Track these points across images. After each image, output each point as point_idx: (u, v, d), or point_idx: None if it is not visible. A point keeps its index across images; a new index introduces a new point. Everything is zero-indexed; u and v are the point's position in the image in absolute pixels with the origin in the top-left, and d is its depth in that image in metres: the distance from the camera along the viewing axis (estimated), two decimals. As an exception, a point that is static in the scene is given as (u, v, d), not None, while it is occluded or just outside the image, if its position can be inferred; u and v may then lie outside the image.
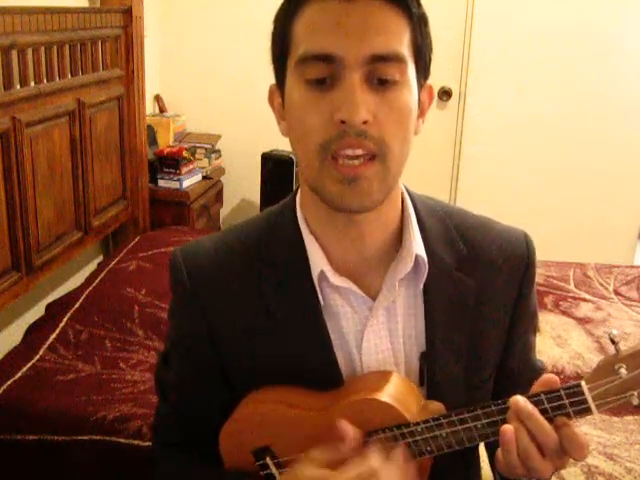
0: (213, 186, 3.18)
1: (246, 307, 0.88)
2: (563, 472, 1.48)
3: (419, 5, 0.80)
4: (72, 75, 2.24)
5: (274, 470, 0.88)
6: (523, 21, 3.16)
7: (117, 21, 2.52)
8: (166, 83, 3.37)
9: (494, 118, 3.30)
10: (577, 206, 3.34)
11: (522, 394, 0.76)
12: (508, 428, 0.75)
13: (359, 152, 0.76)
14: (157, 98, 3.32)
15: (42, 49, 2.06)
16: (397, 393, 0.82)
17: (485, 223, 0.96)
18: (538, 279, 0.98)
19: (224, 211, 3.47)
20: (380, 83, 0.76)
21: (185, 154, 2.94)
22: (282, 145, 3.02)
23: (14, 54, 1.93)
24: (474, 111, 3.31)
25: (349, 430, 0.77)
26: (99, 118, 2.41)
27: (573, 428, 0.74)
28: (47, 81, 2.09)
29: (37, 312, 2.27)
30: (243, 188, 3.47)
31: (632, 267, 2.79)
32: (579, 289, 2.47)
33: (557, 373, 1.91)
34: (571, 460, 0.78)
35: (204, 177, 3.11)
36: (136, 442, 1.55)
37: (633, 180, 3.29)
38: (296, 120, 0.80)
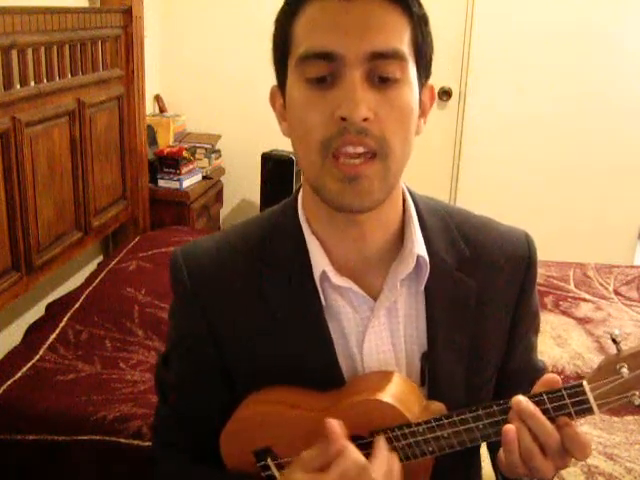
0: (213, 186, 3.18)
1: (247, 307, 0.88)
2: (563, 472, 1.48)
3: (420, 5, 0.80)
4: (72, 75, 2.24)
5: (275, 471, 0.88)
6: (523, 21, 3.16)
7: (117, 21, 2.52)
8: (166, 83, 3.37)
9: (494, 118, 3.30)
10: (577, 206, 3.34)
11: (524, 394, 0.76)
12: (510, 428, 0.75)
13: (360, 150, 0.76)
14: (157, 98, 3.32)
15: (42, 49, 2.06)
16: (399, 393, 0.82)
17: (486, 223, 0.96)
18: (538, 279, 0.98)
19: (224, 211, 3.47)
20: (381, 81, 0.76)
21: (185, 154, 2.94)
22: (282, 145, 3.02)
23: (14, 54, 1.93)
24: (474, 111, 3.31)
25: (335, 427, 0.76)
26: (99, 118, 2.41)
27: (575, 428, 0.74)
28: (47, 81, 2.09)
29: (37, 312, 2.27)
30: (243, 188, 3.47)
31: (632, 267, 2.79)
32: (579, 289, 2.47)
33: (557, 373, 1.91)
34: (572, 460, 0.78)
35: (204, 177, 3.11)
36: (136, 442, 1.55)
37: (633, 180, 3.29)
38: (297, 119, 0.80)
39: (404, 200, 0.90)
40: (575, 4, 3.12)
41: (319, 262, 0.86)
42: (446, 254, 0.89)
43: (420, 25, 0.80)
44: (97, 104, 2.38)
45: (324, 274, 0.85)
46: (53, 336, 1.94)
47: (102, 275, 2.28)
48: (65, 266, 2.33)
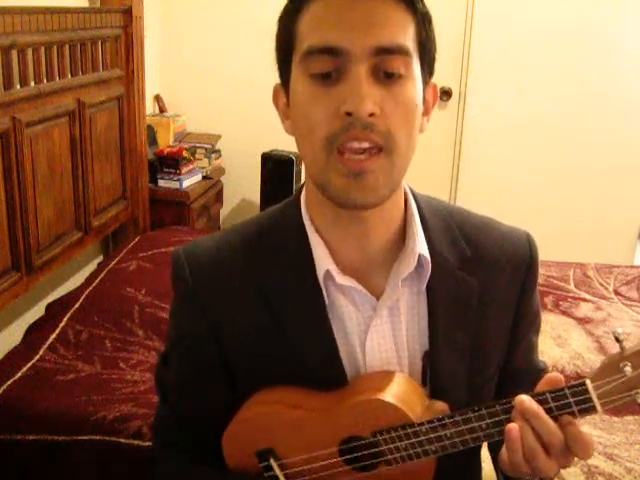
0: (213, 186, 3.18)
1: (248, 306, 0.88)
2: (563, 472, 1.48)
3: (423, 3, 0.81)
4: (72, 75, 2.24)
5: (278, 472, 0.87)
6: (523, 21, 3.16)
7: (117, 21, 2.52)
8: (166, 83, 3.37)
9: (494, 118, 3.30)
10: (577, 206, 3.34)
11: (527, 393, 0.76)
12: (513, 427, 0.75)
13: (365, 145, 0.76)
14: (157, 98, 3.32)
15: (42, 49, 2.06)
16: (401, 393, 0.82)
17: (488, 223, 0.96)
18: (538, 279, 0.98)
19: (224, 211, 3.47)
20: (386, 76, 0.76)
21: (185, 154, 2.94)
22: (282, 145, 3.02)
23: (14, 54, 1.93)
24: (474, 111, 3.31)
25: None
26: (99, 118, 2.41)
27: (578, 427, 0.74)
28: (47, 81, 2.09)
29: (37, 312, 2.27)
30: (243, 188, 3.47)
31: (632, 267, 2.79)
32: (579, 289, 2.47)
33: (557, 373, 1.90)
34: (574, 459, 0.78)
35: (204, 177, 3.11)
36: (136, 442, 1.55)
37: (633, 180, 3.28)
38: (301, 115, 0.79)
39: (406, 199, 0.90)
40: (575, 4, 3.12)
41: (323, 261, 0.85)
42: (448, 253, 0.89)
43: (424, 22, 0.80)
44: (97, 104, 2.38)
45: (328, 273, 0.85)
46: (53, 336, 1.94)
47: (102, 275, 2.28)
48: (65, 266, 2.33)
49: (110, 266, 2.35)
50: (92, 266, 2.70)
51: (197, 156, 3.10)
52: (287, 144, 2.92)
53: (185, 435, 0.96)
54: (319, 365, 0.86)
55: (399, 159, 0.78)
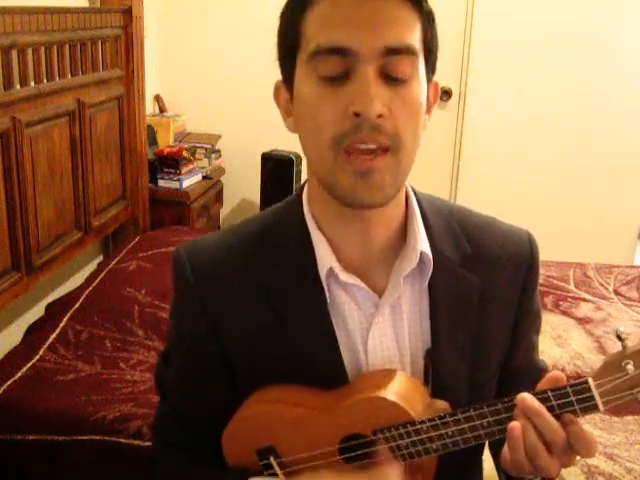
0: (213, 186, 3.18)
1: (250, 305, 0.88)
2: (563, 472, 1.48)
3: (427, 2, 0.81)
4: (72, 75, 2.24)
5: (278, 470, 0.87)
6: (523, 21, 3.16)
7: (117, 21, 2.52)
8: (166, 83, 3.37)
9: (494, 118, 3.30)
10: (577, 206, 3.34)
11: (529, 391, 0.76)
12: (516, 425, 0.75)
13: (372, 146, 0.76)
14: (157, 98, 3.32)
15: (42, 49, 2.06)
16: (402, 391, 0.82)
17: (489, 222, 0.96)
18: (539, 278, 0.98)
19: (224, 211, 3.47)
20: (393, 77, 0.76)
21: (185, 154, 2.94)
22: (282, 145, 3.02)
23: (14, 54, 1.93)
24: (474, 111, 3.31)
25: None
26: (99, 118, 2.41)
27: (581, 425, 0.75)
28: (47, 81, 2.09)
29: (37, 312, 2.27)
30: (243, 188, 3.47)
31: (632, 267, 2.79)
32: (579, 289, 2.47)
33: (557, 373, 1.90)
34: (577, 458, 0.77)
35: (204, 177, 3.11)
36: (136, 442, 1.55)
37: (633, 180, 3.28)
38: (308, 115, 0.79)
39: (407, 197, 0.90)
40: (575, 4, 3.12)
41: (325, 258, 0.85)
42: (449, 251, 0.89)
43: (429, 21, 0.80)
44: (97, 104, 2.38)
45: (331, 270, 0.85)
46: (53, 336, 1.94)
47: (102, 275, 2.28)
48: (65, 266, 2.33)
49: (110, 266, 2.35)
50: (92, 266, 2.70)
51: (197, 156, 3.10)
52: (287, 144, 2.93)
53: (185, 435, 0.96)
54: (320, 363, 0.86)
55: (405, 158, 0.79)
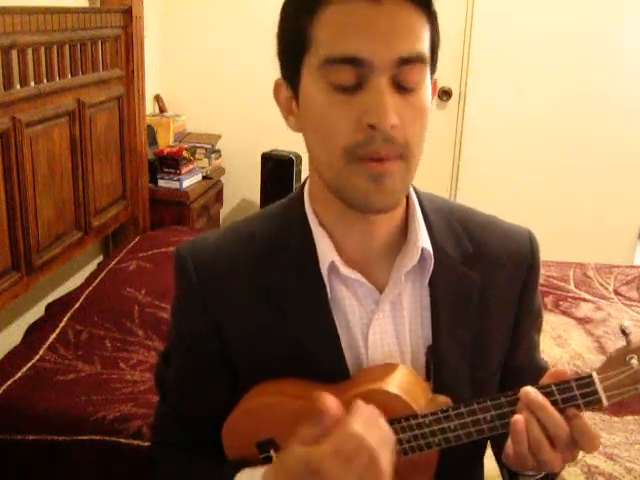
0: (213, 186, 3.18)
1: (251, 302, 0.88)
2: (563, 472, 1.48)
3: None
4: (72, 75, 2.24)
5: None
6: (523, 21, 3.16)
7: (117, 21, 2.52)
8: (166, 83, 3.37)
9: (494, 118, 3.30)
10: (577, 206, 3.34)
11: (532, 385, 0.76)
12: (519, 418, 0.75)
13: (384, 155, 0.76)
14: (157, 98, 3.32)
15: (42, 49, 2.06)
16: (405, 384, 0.82)
17: (490, 221, 0.96)
18: (540, 277, 0.98)
19: (224, 211, 3.47)
20: (404, 87, 0.76)
21: (185, 154, 2.94)
22: (282, 145, 3.03)
23: (14, 54, 1.93)
24: (474, 111, 3.31)
25: (329, 402, 0.74)
26: (99, 118, 2.41)
27: (584, 420, 0.74)
28: (47, 81, 2.09)
29: (37, 312, 2.27)
30: (243, 188, 3.47)
31: (632, 267, 2.79)
32: (579, 289, 2.47)
33: (557, 373, 1.90)
34: (580, 453, 0.77)
35: (204, 177, 3.11)
36: (136, 442, 1.55)
37: (633, 180, 3.28)
38: (317, 121, 0.79)
39: (408, 195, 0.90)
40: (575, 4, 3.12)
41: (327, 253, 0.86)
42: (450, 249, 0.90)
43: (436, 23, 0.80)
44: (97, 104, 2.38)
45: (333, 265, 0.85)
46: (53, 336, 1.94)
47: (102, 275, 2.28)
48: (65, 266, 2.33)
49: (110, 266, 2.35)
50: (92, 266, 2.70)
51: (197, 156, 3.10)
52: (287, 144, 2.93)
53: (185, 435, 0.96)
54: (321, 359, 0.86)
55: (413, 163, 0.80)
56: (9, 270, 1.95)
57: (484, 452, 1.00)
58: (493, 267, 0.91)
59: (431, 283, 0.88)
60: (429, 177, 3.22)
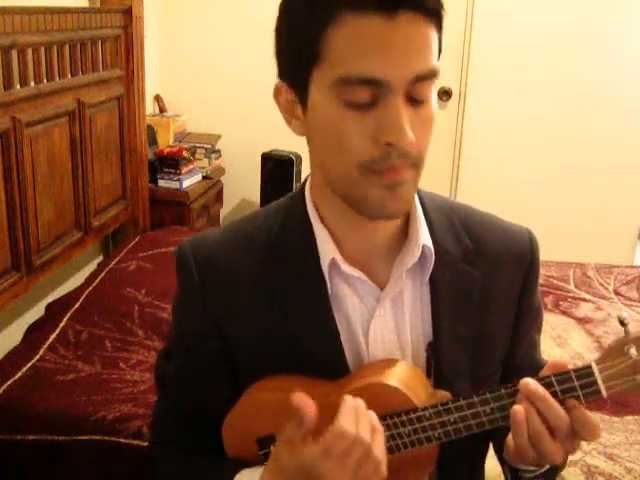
0: (213, 186, 3.18)
1: (253, 300, 0.89)
2: (563, 472, 1.48)
3: None
4: (72, 75, 2.24)
5: None
6: (523, 21, 3.16)
7: (117, 21, 2.52)
8: (166, 83, 3.37)
9: (494, 118, 3.30)
10: (577, 206, 3.34)
11: (532, 377, 0.76)
12: (519, 409, 0.75)
13: (399, 168, 0.77)
14: (157, 98, 3.32)
15: (42, 49, 2.06)
16: (405, 378, 0.82)
17: (490, 219, 0.97)
18: (539, 276, 0.99)
19: (224, 211, 3.47)
20: (415, 100, 0.77)
21: (185, 154, 2.94)
22: (282, 145, 3.03)
23: (14, 54, 1.93)
24: (474, 111, 3.31)
25: (304, 402, 0.73)
26: (99, 118, 2.41)
27: (583, 409, 0.75)
28: (47, 81, 2.09)
29: (37, 312, 2.27)
30: (243, 188, 3.48)
31: (632, 267, 2.79)
32: (579, 289, 2.47)
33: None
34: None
35: (204, 177, 3.11)
36: (136, 442, 1.55)
37: (633, 180, 3.29)
38: (330, 135, 0.79)
39: None
40: (575, 4, 3.12)
41: (328, 250, 0.86)
42: (450, 246, 0.90)
43: (442, 30, 0.79)
44: (97, 104, 2.38)
45: (334, 262, 0.86)
46: (53, 336, 1.94)
47: (102, 275, 2.28)
48: (65, 266, 2.33)
49: (110, 266, 2.35)
50: (92, 266, 2.70)
51: (197, 156, 3.10)
52: (287, 144, 2.93)
53: (185, 435, 0.96)
54: (321, 355, 0.86)
55: (421, 170, 0.81)
56: (9, 270, 1.95)
57: (486, 451, 1.00)
58: (493, 265, 0.92)
59: (432, 280, 0.88)
60: (429, 177, 3.21)
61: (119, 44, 2.57)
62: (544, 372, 0.78)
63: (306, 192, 0.90)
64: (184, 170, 2.91)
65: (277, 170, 3.07)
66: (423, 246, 0.86)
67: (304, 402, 0.73)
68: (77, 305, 2.09)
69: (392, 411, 0.80)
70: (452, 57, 3.22)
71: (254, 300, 0.89)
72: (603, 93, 3.19)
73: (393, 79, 0.73)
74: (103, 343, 1.94)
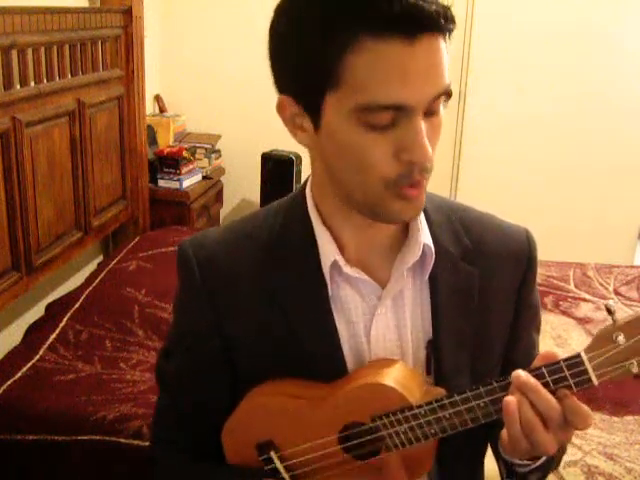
0: (213, 186, 3.18)
1: (254, 300, 0.89)
2: (563, 472, 1.48)
3: None
4: (72, 75, 2.24)
5: (278, 464, 0.88)
6: (523, 21, 3.17)
7: (117, 21, 2.52)
8: (166, 83, 3.37)
9: (494, 118, 3.30)
10: (577, 206, 3.34)
11: (523, 369, 0.76)
12: (511, 400, 0.75)
13: (419, 181, 0.79)
14: (157, 98, 3.32)
15: (42, 49, 2.06)
16: (400, 378, 0.83)
17: (488, 219, 0.98)
18: (538, 279, 0.99)
19: (224, 211, 3.47)
20: (429, 113, 0.79)
21: (185, 154, 2.94)
22: (282, 145, 3.03)
23: (14, 54, 1.93)
24: (474, 111, 3.31)
25: None
26: (99, 118, 2.41)
27: (575, 399, 0.75)
28: (47, 81, 2.09)
29: (37, 312, 2.28)
30: (243, 188, 3.48)
31: (632, 267, 2.79)
32: (579, 289, 2.47)
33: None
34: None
35: (204, 177, 3.11)
36: (136, 442, 1.55)
37: (633, 180, 3.29)
38: (349, 154, 0.79)
39: None
40: (575, 4, 3.12)
41: (329, 252, 0.86)
42: (450, 245, 0.91)
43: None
44: (97, 104, 2.38)
45: (335, 263, 0.86)
46: (53, 336, 1.94)
47: (102, 275, 2.28)
48: (65, 266, 2.33)
49: (110, 266, 2.35)
50: (92, 266, 2.71)
51: (197, 156, 3.10)
52: (287, 144, 2.93)
53: (185, 435, 0.96)
54: (320, 355, 0.87)
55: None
56: (9, 270, 1.95)
57: (485, 450, 1.01)
58: (492, 263, 0.92)
59: (431, 278, 0.89)
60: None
61: (119, 44, 2.57)
62: (535, 363, 0.78)
63: (307, 192, 0.91)
64: (184, 170, 2.91)
65: (277, 170, 3.07)
66: (423, 245, 0.87)
67: None
68: (77, 305, 2.09)
69: (388, 410, 0.81)
70: (452, 57, 3.20)
71: (254, 300, 0.89)
72: (603, 93, 3.20)
73: (415, 103, 0.75)
74: (103, 343, 1.94)
